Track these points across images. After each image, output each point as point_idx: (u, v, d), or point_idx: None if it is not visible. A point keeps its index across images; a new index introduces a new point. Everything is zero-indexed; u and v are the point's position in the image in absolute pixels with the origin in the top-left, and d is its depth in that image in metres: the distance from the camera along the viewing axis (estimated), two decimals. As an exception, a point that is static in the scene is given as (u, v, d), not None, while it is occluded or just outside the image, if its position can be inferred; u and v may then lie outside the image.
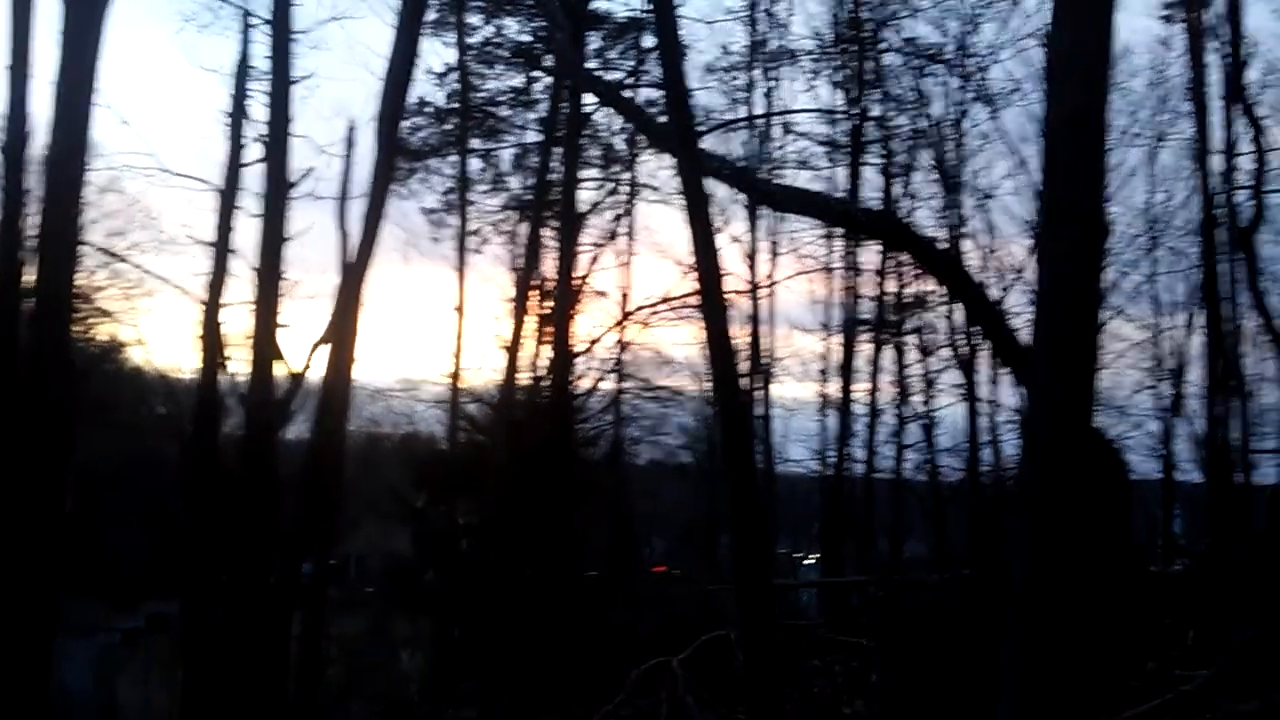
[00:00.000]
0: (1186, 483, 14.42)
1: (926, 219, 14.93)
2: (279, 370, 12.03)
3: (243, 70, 12.89)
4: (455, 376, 15.35)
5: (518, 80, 15.98)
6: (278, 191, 12.05)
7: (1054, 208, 9.35)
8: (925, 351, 14.75)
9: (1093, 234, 9.79)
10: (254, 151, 12.59)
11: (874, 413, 14.84)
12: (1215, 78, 14.08)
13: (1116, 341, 14.92)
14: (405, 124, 13.76)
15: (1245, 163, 13.73)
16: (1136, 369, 14.93)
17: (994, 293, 13.02)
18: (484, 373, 15.37)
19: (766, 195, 13.72)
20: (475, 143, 16.22)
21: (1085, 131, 9.71)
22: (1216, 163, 13.96)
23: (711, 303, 10.18)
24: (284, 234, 12.05)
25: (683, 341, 15.15)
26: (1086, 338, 9.49)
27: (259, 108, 12.59)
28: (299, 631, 10.95)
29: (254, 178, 12.48)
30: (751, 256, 15.55)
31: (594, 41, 15.43)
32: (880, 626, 9.96)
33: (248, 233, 12.49)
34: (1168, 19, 14.93)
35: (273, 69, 12.16)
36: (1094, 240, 9.73)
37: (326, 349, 11.13)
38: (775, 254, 15.74)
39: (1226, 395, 13.16)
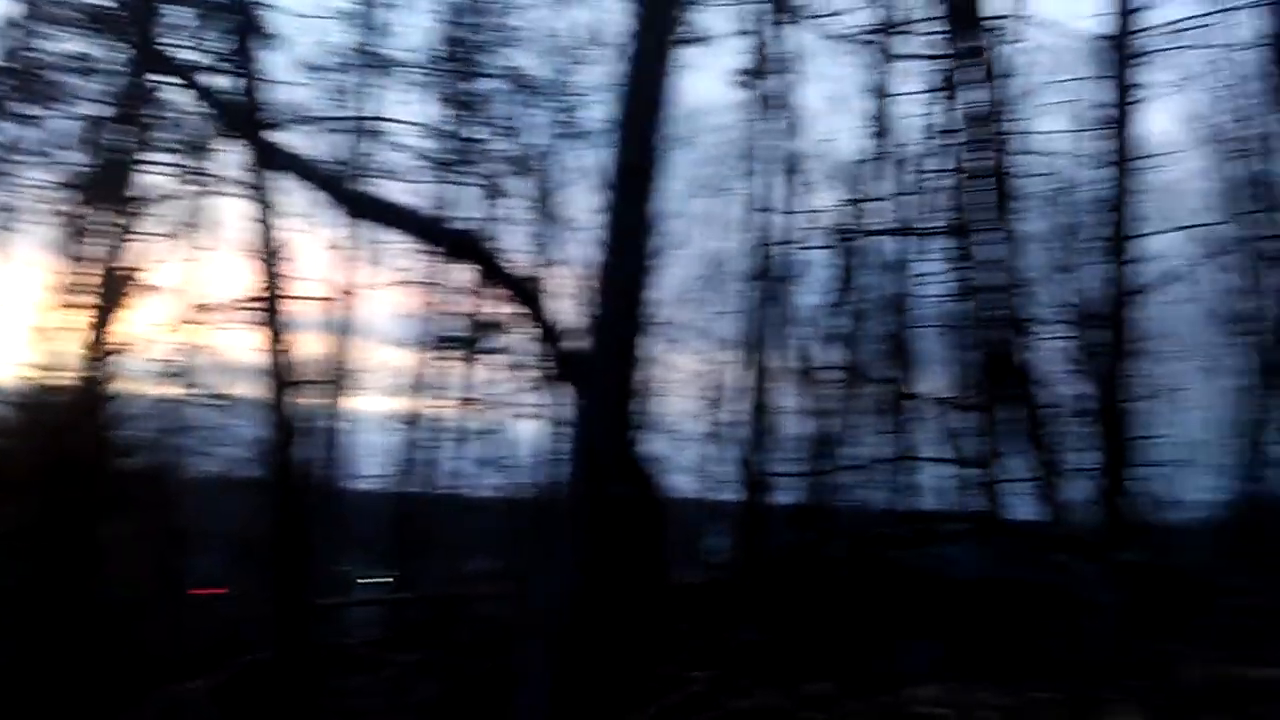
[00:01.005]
0: (727, 501, 15.97)
1: (516, 244, 15.48)
2: None
3: None
4: (-25, 372, 13.40)
5: (83, 46, 14.33)
6: None
7: (608, 245, 9.97)
8: (505, 370, 15.15)
9: (639, 271, 10.50)
10: None
11: (451, 429, 15.08)
12: (772, 143, 15.90)
13: (675, 372, 16.52)
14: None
15: (791, 221, 15.70)
16: (691, 398, 16.78)
17: (572, 321, 13.70)
18: (11, 368, 13.53)
19: (351, 202, 13.46)
20: (25, 109, 14.29)
21: (639, 179, 10.43)
22: (770, 219, 15.74)
23: (272, 305, 9.79)
24: None
25: (251, 346, 14.32)
26: (627, 365, 10.17)
27: None
28: None
29: None
30: (341, 263, 15.15)
31: (177, 18, 14.25)
32: (430, 641, 10.06)
33: None
34: (739, 84, 16.59)
35: None
36: (639, 277, 10.44)
37: None
38: (365, 263, 15.45)
39: (760, 424, 14.88)
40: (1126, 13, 14.49)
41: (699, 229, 17.20)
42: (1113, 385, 14.00)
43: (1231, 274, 15.88)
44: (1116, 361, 14.06)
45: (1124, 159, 14.38)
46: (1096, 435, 14.07)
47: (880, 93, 15.65)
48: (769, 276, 15.35)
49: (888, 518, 13.27)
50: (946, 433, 14.68)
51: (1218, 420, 15.82)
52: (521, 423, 14.95)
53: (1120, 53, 14.50)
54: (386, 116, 15.53)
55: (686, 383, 16.90)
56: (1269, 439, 15.17)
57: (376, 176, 15.18)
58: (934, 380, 15.14)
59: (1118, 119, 14.52)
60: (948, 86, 15.01)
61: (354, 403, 15.36)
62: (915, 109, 15.44)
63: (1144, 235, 14.46)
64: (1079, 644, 8.21)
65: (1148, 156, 14.59)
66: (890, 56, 15.60)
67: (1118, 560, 9.06)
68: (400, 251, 15.14)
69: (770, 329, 15.24)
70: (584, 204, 15.02)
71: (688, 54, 14.44)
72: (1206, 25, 14.48)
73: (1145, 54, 14.57)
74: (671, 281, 16.11)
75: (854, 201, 15.74)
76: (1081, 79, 15.05)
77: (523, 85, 15.80)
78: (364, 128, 15.45)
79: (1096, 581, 8.67)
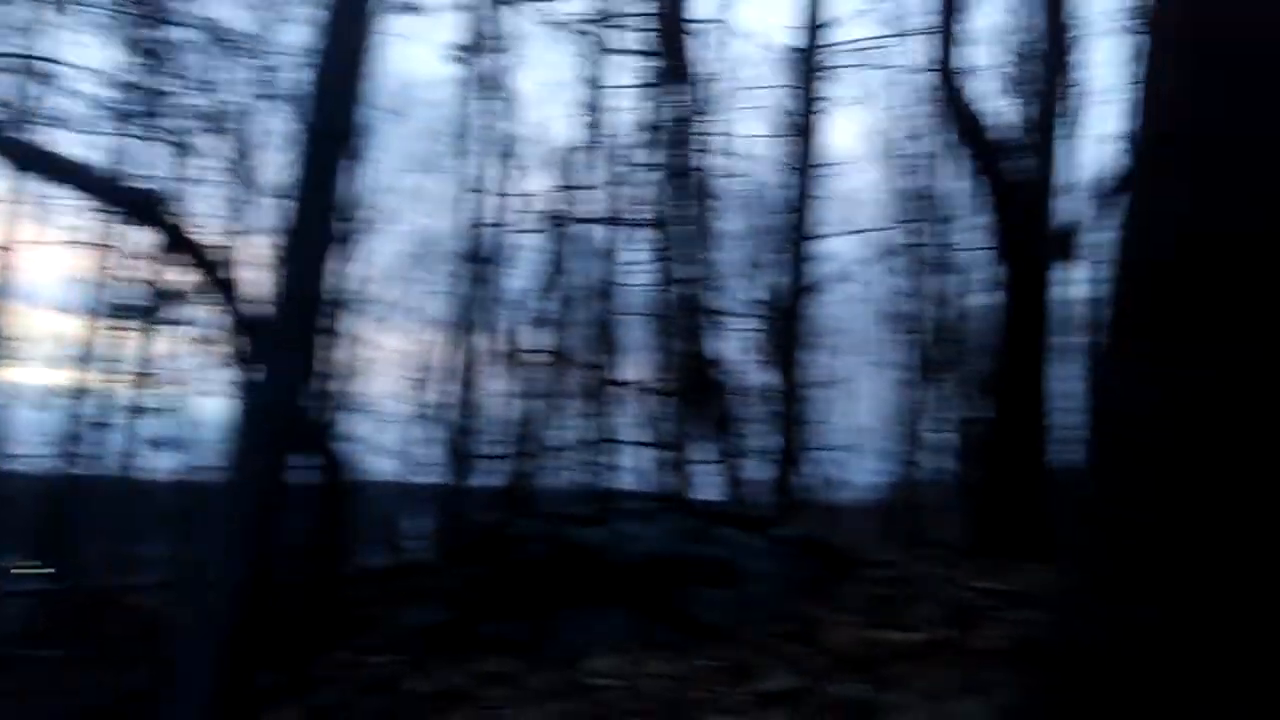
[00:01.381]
0: (431, 483, 15.82)
1: (204, 209, 14.49)
2: None
3: None
4: None
5: None
6: None
7: (297, 213, 9.58)
8: (185, 344, 14.18)
9: (328, 242, 10.17)
10: None
11: (123, 406, 13.93)
12: (486, 123, 15.85)
13: (380, 350, 16.19)
14: None
15: (503, 203, 15.75)
16: (397, 377, 16.54)
17: (259, 292, 13.01)
18: None
19: (13, 152, 12.21)
20: None
21: (332, 145, 10.10)
22: (481, 200, 15.69)
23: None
24: None
25: None
26: (312, 341, 9.82)
27: None
28: None
29: None
30: (-2, 219, 13.60)
31: None
32: (83, 636, 9.32)
33: None
34: (454, 61, 16.38)
35: None
36: (328, 248, 10.12)
37: None
38: (29, 219, 13.98)
39: (465, 406, 14.86)
40: (814, 28, 15.65)
41: (409, 205, 16.96)
42: (791, 375, 15.14)
43: (898, 277, 17.63)
44: (794, 353, 15.20)
45: (807, 165, 15.56)
46: (775, 420, 15.17)
47: (593, 83, 15.99)
48: (479, 257, 15.33)
49: (581, 497, 13.65)
50: (645, 416, 15.30)
51: (881, 409, 17.56)
52: (202, 400, 14.08)
53: (808, 66, 15.65)
54: (59, 59, 14.03)
55: (392, 362, 16.63)
56: (924, 427, 16.99)
57: (46, 125, 13.70)
58: (636, 366, 15.75)
59: (803, 127, 15.68)
60: (654, 84, 15.59)
61: (11, 374, 13.90)
62: (626, 102, 15.95)
63: (822, 236, 15.75)
64: (741, 613, 8.79)
65: (828, 164, 15.91)
66: (603, 48, 15.97)
67: (778, 535, 9.78)
68: (71, 209, 13.81)
69: (479, 310, 15.24)
70: (279, 170, 14.29)
71: (399, 23, 14.13)
72: (884, 48, 15.96)
73: (830, 69, 15.84)
74: (380, 258, 15.76)
75: (565, 188, 16.02)
76: (773, 88, 16.16)
77: (218, 38, 14.76)
78: (32, 69, 13.88)
79: (759, 555, 9.31)
